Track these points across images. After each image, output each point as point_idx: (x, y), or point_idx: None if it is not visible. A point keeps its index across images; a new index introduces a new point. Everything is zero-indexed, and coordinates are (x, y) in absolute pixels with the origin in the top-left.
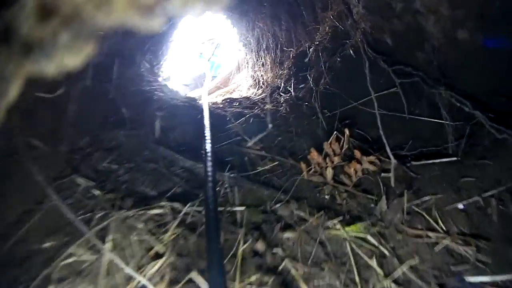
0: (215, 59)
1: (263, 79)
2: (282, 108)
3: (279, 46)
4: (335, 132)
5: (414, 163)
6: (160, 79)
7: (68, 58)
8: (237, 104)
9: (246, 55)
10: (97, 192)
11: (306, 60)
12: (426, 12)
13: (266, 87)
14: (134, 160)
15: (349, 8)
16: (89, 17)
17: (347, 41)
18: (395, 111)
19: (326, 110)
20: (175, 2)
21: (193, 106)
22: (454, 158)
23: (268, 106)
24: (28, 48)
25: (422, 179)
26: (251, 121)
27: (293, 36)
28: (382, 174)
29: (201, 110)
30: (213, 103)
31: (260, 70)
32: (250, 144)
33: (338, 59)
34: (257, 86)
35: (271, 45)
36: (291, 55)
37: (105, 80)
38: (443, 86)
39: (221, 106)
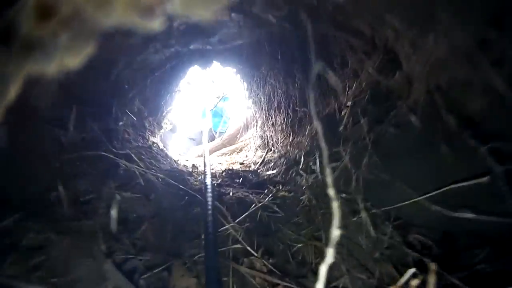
0: (223, 115)
1: (272, 140)
2: (304, 196)
3: (291, 105)
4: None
5: None
6: (153, 136)
7: (68, 58)
8: (239, 181)
9: (255, 113)
10: None
11: (340, 128)
12: None
13: (279, 157)
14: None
15: (397, 57)
16: (89, 17)
17: (398, 102)
18: (490, 213)
19: (372, 205)
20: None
21: (181, 181)
22: None
23: (283, 193)
24: (28, 48)
25: None
26: (258, 217)
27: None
28: None
29: (189, 193)
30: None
31: (269, 130)
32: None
33: (391, 129)
34: (266, 148)
35: (283, 104)
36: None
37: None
38: None
39: (217, 183)
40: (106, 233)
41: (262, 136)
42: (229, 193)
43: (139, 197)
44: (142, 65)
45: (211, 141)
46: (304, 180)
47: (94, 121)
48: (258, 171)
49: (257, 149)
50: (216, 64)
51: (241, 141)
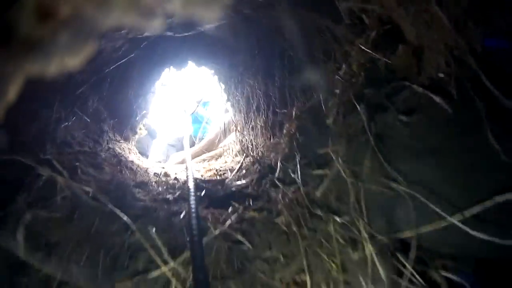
0: (203, 120)
1: (252, 145)
2: (281, 218)
3: (271, 107)
4: None
5: None
6: (115, 141)
7: (68, 58)
8: (200, 195)
9: (234, 116)
10: None
11: (329, 121)
12: None
13: (252, 163)
14: None
15: (396, 27)
16: (89, 17)
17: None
18: None
19: (378, 230)
20: None
21: (121, 197)
22: None
23: (252, 214)
24: (28, 48)
25: None
26: (213, 252)
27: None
28: None
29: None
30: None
31: (249, 134)
32: None
33: (401, 117)
34: (245, 154)
35: (262, 105)
36: (293, 113)
37: None
38: None
39: (172, 197)
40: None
41: (241, 141)
42: (180, 212)
43: (58, 217)
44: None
45: (190, 147)
46: (280, 194)
47: (27, 120)
48: (226, 181)
49: (236, 155)
50: (191, 65)
51: (220, 147)
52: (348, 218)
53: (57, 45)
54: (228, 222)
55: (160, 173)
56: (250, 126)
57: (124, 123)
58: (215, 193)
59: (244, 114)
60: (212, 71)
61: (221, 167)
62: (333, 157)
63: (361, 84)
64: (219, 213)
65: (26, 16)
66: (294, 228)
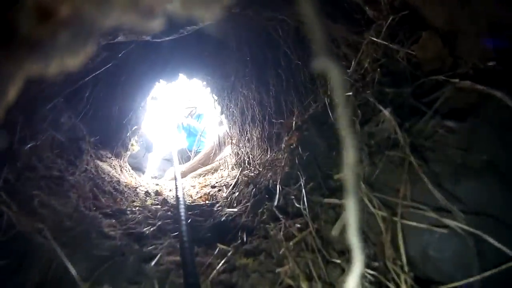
0: (197, 133)
1: (249, 157)
2: (284, 269)
3: (266, 117)
4: None
5: None
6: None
7: (68, 58)
8: (192, 219)
9: (229, 129)
10: None
11: (343, 131)
12: None
13: (248, 183)
14: None
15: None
16: (89, 17)
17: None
18: None
19: (420, 283)
20: None
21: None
22: None
23: (244, 261)
24: (28, 48)
25: None
26: None
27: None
28: None
29: None
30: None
31: (245, 147)
32: None
33: (449, 123)
34: (241, 167)
35: (257, 116)
36: (293, 122)
37: None
38: None
39: (148, 232)
40: None
41: (238, 154)
42: (151, 258)
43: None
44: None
45: (186, 161)
46: (282, 231)
47: None
48: (215, 208)
49: (233, 168)
50: (182, 77)
51: (216, 160)
52: (380, 268)
53: (57, 45)
54: (214, 272)
55: (151, 193)
56: (246, 138)
57: (114, 139)
58: (200, 224)
59: (239, 126)
60: (204, 83)
61: (217, 182)
62: (351, 180)
63: (378, 83)
64: (204, 254)
65: (26, 16)
66: (304, 285)
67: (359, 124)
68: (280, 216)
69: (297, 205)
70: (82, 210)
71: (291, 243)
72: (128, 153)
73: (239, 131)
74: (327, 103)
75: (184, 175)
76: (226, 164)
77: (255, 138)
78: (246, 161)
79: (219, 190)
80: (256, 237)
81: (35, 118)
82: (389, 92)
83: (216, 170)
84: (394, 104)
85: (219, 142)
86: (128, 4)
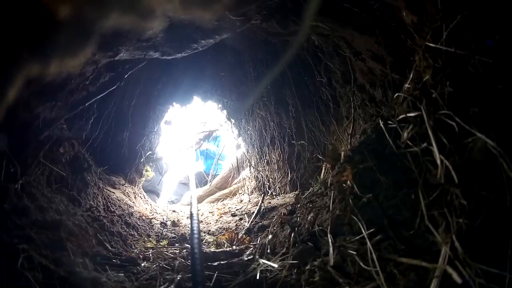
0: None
1: (269, 181)
2: None
3: (286, 139)
4: None
5: None
6: (103, 192)
7: (68, 58)
8: (217, 275)
9: (247, 152)
10: None
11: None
12: None
13: (281, 225)
14: None
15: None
16: (89, 18)
17: None
18: None
19: None
20: None
21: None
22: None
23: None
24: (28, 48)
25: None
26: None
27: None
28: None
29: None
30: None
31: (265, 170)
32: None
33: None
34: (262, 192)
35: (276, 138)
36: (341, 154)
37: None
38: None
39: None
40: None
41: (257, 177)
42: None
43: None
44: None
45: (204, 185)
46: None
47: None
48: (245, 256)
49: (252, 192)
50: (197, 100)
51: (234, 184)
52: None
53: (56, 46)
54: None
55: (167, 223)
56: (265, 161)
57: (127, 165)
58: (229, 284)
59: (257, 149)
60: (220, 105)
61: (236, 209)
62: (443, 240)
63: (449, 98)
64: None
65: (26, 16)
66: None
67: (451, 151)
68: (341, 280)
69: (362, 265)
70: (80, 270)
71: None
72: (143, 179)
73: (258, 153)
74: (383, 127)
75: (201, 199)
76: (245, 188)
77: (274, 161)
78: (267, 185)
79: (241, 219)
80: None
81: (28, 148)
82: (470, 111)
83: (234, 194)
84: (479, 126)
85: (237, 165)
86: (127, 4)
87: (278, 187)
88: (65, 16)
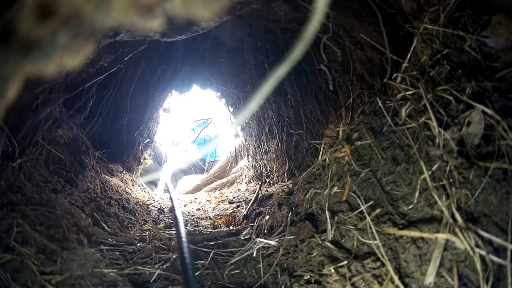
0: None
1: (266, 170)
2: None
3: (284, 128)
4: None
5: None
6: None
7: (67, 58)
8: (207, 262)
9: (245, 141)
10: None
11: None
12: None
13: (278, 205)
14: None
15: None
16: (89, 17)
17: None
18: None
19: None
20: None
21: None
22: None
23: None
24: (27, 48)
25: None
26: None
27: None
28: None
29: None
30: None
31: (262, 159)
32: None
33: None
34: (260, 181)
35: (275, 127)
36: (339, 131)
37: None
38: None
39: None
40: None
41: (254, 166)
42: None
43: None
44: None
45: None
46: (348, 278)
47: None
48: (242, 236)
49: (250, 181)
50: (195, 88)
51: (232, 173)
52: None
53: (56, 45)
54: None
55: (164, 210)
56: (263, 150)
57: (125, 153)
58: (225, 262)
59: (255, 138)
60: (219, 94)
61: (234, 197)
62: (446, 210)
63: (448, 78)
64: None
65: (26, 16)
66: None
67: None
68: (340, 255)
69: (362, 239)
70: (74, 245)
71: None
72: (141, 167)
73: (256, 142)
74: (381, 106)
75: (198, 188)
76: (242, 177)
77: (272, 150)
78: (264, 174)
79: (238, 206)
80: (304, 281)
81: (27, 128)
82: (467, 87)
83: (232, 183)
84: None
85: (235, 155)
86: (128, 4)
87: (276, 176)
88: (65, 15)
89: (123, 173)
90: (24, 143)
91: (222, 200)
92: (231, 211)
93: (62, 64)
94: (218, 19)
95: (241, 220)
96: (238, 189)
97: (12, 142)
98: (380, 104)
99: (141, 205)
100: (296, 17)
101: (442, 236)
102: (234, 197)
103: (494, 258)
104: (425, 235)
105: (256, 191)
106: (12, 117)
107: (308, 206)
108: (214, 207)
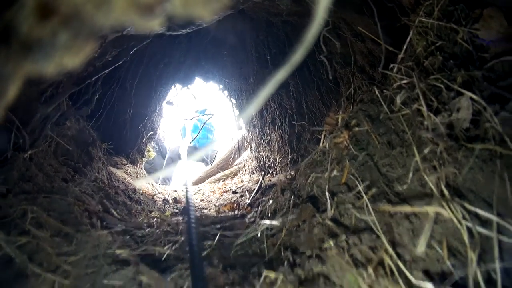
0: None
1: (269, 161)
2: None
3: (287, 119)
4: None
5: None
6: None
7: (67, 58)
8: (213, 244)
9: (248, 132)
10: None
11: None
12: None
13: (283, 189)
14: None
15: None
16: (89, 17)
17: None
18: None
19: None
20: None
21: None
22: None
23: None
24: (27, 48)
25: None
26: None
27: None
28: None
29: None
30: None
31: (265, 150)
32: None
33: None
34: (263, 171)
35: (277, 118)
36: (339, 118)
37: None
38: None
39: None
40: None
41: (257, 157)
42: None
43: None
44: None
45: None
46: (346, 250)
47: None
48: (247, 219)
49: (253, 172)
50: (198, 81)
51: (235, 165)
52: None
53: (56, 45)
54: None
55: (169, 200)
56: (266, 141)
57: (129, 145)
58: (232, 242)
59: (258, 129)
60: (221, 86)
61: (237, 187)
62: (435, 187)
63: (440, 68)
64: (239, 278)
65: (26, 16)
66: None
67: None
68: (339, 231)
69: (359, 216)
70: (87, 228)
71: (369, 267)
72: (145, 159)
73: (258, 134)
74: (378, 95)
75: (202, 180)
76: (246, 168)
77: (275, 141)
78: (267, 165)
79: (242, 196)
80: (306, 257)
81: (35, 121)
82: (457, 76)
83: (235, 174)
84: (467, 90)
85: (238, 146)
86: (128, 4)
87: (279, 167)
88: (65, 15)
89: (127, 166)
90: (34, 135)
91: (226, 191)
92: (235, 200)
93: (63, 64)
94: (221, 13)
95: (245, 207)
96: (241, 180)
97: (22, 134)
98: (377, 93)
99: (146, 196)
100: (298, 10)
101: (431, 209)
102: (238, 188)
103: (481, 229)
104: (417, 209)
105: (259, 181)
106: (22, 110)
107: (309, 189)
108: (218, 198)
